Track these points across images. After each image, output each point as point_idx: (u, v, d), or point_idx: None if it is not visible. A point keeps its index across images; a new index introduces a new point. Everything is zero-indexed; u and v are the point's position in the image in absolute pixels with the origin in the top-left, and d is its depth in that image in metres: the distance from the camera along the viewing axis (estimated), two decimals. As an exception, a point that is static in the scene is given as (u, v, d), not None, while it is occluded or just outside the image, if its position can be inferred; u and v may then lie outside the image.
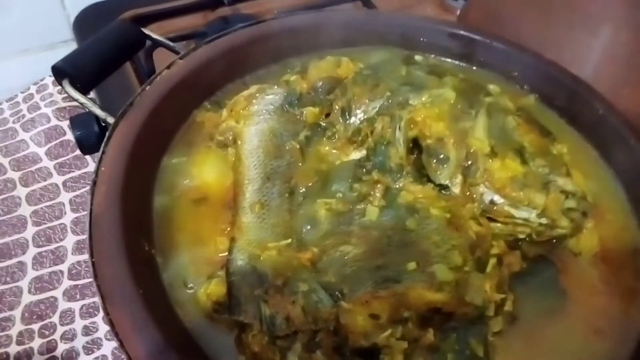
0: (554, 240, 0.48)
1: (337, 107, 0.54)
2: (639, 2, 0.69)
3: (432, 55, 0.65)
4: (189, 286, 0.44)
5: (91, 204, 0.44)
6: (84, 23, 0.90)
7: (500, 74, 0.64)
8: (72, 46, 0.91)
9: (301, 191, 0.50)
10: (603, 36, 0.70)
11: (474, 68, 0.65)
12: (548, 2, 0.74)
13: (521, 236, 0.47)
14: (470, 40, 0.64)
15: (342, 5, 0.89)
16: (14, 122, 0.88)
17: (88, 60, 0.55)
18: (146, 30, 0.62)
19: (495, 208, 0.47)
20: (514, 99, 0.58)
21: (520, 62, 0.63)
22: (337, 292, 0.41)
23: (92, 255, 0.41)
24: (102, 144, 0.48)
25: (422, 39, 0.65)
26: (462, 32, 0.64)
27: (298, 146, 0.52)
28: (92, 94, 0.80)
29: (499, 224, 0.47)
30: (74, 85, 0.54)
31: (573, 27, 0.72)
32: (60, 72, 0.54)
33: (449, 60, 0.65)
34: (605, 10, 0.70)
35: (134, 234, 0.44)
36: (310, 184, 0.50)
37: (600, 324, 0.46)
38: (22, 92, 0.91)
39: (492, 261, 0.43)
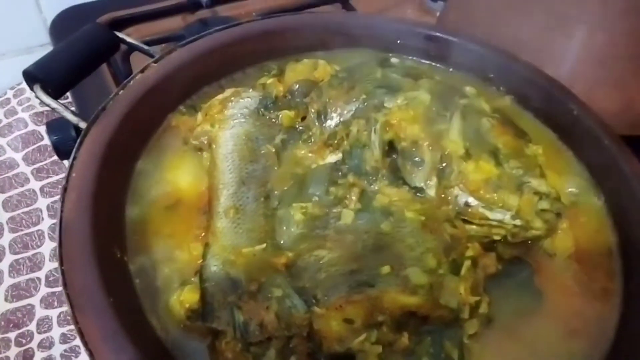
0: (529, 242, 0.48)
1: (312, 111, 0.54)
2: (613, 4, 0.69)
3: (409, 57, 0.65)
4: (163, 293, 0.44)
5: (61, 211, 0.43)
6: (60, 26, 0.89)
7: (477, 76, 0.64)
8: (49, 50, 0.89)
9: (277, 195, 0.49)
10: (579, 38, 0.71)
11: (451, 70, 0.65)
12: (525, 4, 0.74)
13: (496, 238, 0.47)
14: (447, 42, 0.64)
15: (321, 8, 0.89)
16: (-10, 128, 0.87)
17: (59, 64, 0.54)
18: (120, 34, 0.61)
19: (469, 210, 0.47)
20: (490, 101, 0.58)
21: (496, 63, 0.63)
22: (311, 298, 0.41)
23: (61, 264, 0.40)
24: (74, 150, 0.48)
25: (398, 41, 0.65)
26: (438, 34, 0.64)
27: (274, 150, 0.52)
28: (69, 98, 0.81)
29: (474, 226, 0.47)
30: (45, 90, 0.53)
31: (549, 29, 0.72)
32: (31, 76, 0.53)
33: (426, 62, 0.65)
34: (581, 12, 0.70)
35: (105, 241, 0.43)
36: (285, 188, 0.50)
37: (576, 324, 0.46)
38: (-2, 97, 0.90)
39: (467, 263, 0.43)
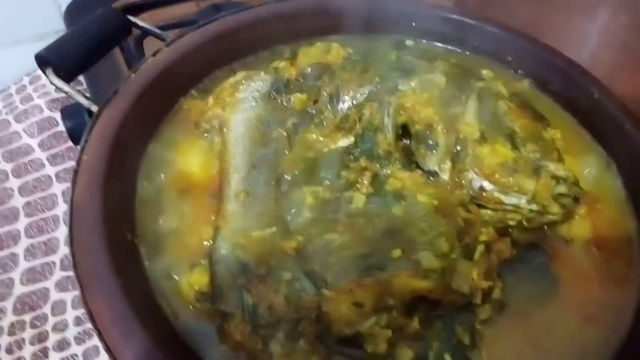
0: (545, 227, 0.47)
1: (325, 94, 0.53)
2: (637, -15, 0.67)
3: (425, 40, 0.64)
4: (172, 276, 0.44)
5: (72, 194, 0.44)
6: (75, 13, 0.90)
7: (494, 59, 0.62)
8: (64, 36, 0.90)
9: (288, 179, 0.49)
10: (601, 20, 0.69)
11: (468, 53, 0.64)
12: (546, -15, 0.72)
13: (511, 223, 0.46)
14: (464, 24, 0.63)
15: (336, -9, 0.88)
16: (6, 114, 0.87)
17: (72, 48, 0.54)
18: (133, 18, 0.60)
19: (484, 194, 0.46)
20: (508, 84, 0.57)
21: (514, 46, 0.61)
22: (320, 281, 0.40)
23: (72, 246, 0.41)
24: (85, 133, 0.48)
25: (414, 24, 0.64)
26: (455, 17, 0.63)
27: (285, 134, 0.51)
28: (84, 85, 0.81)
29: (488, 211, 0.46)
30: (57, 73, 0.53)
31: (571, 11, 0.71)
32: (43, 60, 0.53)
33: (442, 45, 0.64)
34: (604, -7, 0.68)
35: (116, 224, 0.43)
36: (297, 172, 0.49)
37: (593, 311, 0.45)
38: (14, 84, 0.91)
39: (480, 248, 0.42)
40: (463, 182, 0.46)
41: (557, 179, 0.45)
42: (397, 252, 0.40)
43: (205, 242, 0.45)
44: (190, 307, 0.42)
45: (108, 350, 0.36)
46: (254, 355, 0.39)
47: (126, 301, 0.38)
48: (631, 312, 0.44)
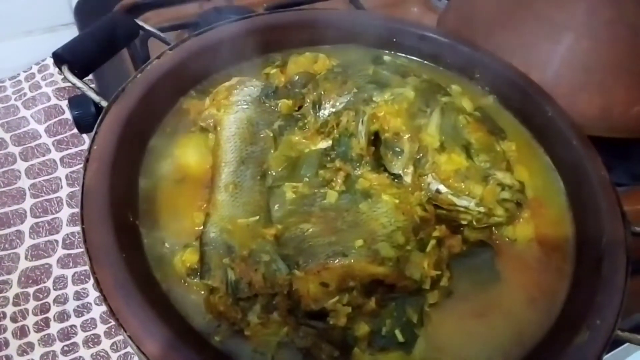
0: (493, 227, 0.54)
1: (308, 101, 0.59)
2: (599, 13, 0.74)
3: (403, 55, 0.70)
4: (167, 253, 0.50)
5: (84, 178, 0.50)
6: (84, 7, 0.95)
7: (464, 75, 0.69)
8: (73, 29, 0.95)
9: (272, 175, 0.55)
10: (565, 44, 0.75)
11: (441, 68, 0.70)
12: (519, 10, 0.79)
13: (463, 222, 0.53)
14: (438, 42, 0.69)
15: (329, 3, 0.94)
16: (15, 100, 0.93)
17: (85, 48, 0.60)
18: (140, 22, 0.67)
19: (439, 196, 0.52)
20: (475, 99, 0.64)
21: (482, 64, 0.68)
22: (293, 263, 0.47)
23: (82, 223, 0.47)
24: (95, 125, 0.54)
25: (394, 40, 0.70)
26: (430, 35, 0.70)
27: (272, 134, 0.58)
28: (91, 77, 0.87)
29: (443, 211, 0.53)
30: (72, 70, 0.59)
31: (538, 34, 0.77)
32: (60, 58, 0.59)
33: (418, 60, 0.71)
34: (568, 19, 0.75)
35: (120, 206, 0.49)
36: (280, 169, 0.55)
37: (535, 294, 0.52)
38: (24, 71, 0.96)
39: (432, 242, 0.49)
40: (422, 185, 0.53)
41: (502, 186, 0.52)
42: (359, 242, 0.47)
43: (197, 226, 0.52)
44: (181, 280, 0.49)
45: (111, 312, 0.43)
46: (234, 323, 0.46)
47: (127, 271, 0.44)
48: (562, 301, 0.51)
